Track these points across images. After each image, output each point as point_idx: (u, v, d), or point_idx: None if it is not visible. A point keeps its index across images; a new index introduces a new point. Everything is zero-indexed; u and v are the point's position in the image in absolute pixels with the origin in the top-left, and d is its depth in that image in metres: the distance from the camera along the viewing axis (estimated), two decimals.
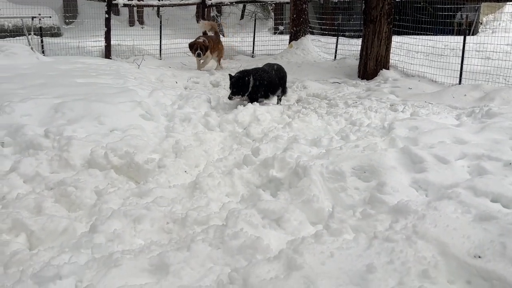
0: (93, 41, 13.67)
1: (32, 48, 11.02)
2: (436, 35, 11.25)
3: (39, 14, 12.61)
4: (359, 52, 10.81)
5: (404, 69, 10.52)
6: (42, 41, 12.73)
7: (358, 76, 10.56)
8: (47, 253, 2.80)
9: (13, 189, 4.09)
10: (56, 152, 4.72)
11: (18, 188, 4.12)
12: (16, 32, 14.69)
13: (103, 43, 13.21)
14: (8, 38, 13.45)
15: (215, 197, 3.79)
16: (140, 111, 6.12)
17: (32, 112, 5.79)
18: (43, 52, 12.32)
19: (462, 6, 15.20)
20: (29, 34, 11.74)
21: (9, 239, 3.08)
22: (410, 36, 11.30)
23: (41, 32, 12.87)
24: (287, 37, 15.73)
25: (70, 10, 20.41)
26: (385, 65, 10.38)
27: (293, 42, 14.44)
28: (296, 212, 3.01)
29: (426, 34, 11.30)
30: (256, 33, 16.44)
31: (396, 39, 10.89)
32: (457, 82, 9.21)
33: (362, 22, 10.69)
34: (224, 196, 3.87)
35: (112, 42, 13.37)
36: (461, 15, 15.66)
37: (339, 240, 2.66)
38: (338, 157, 4.02)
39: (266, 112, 6.20)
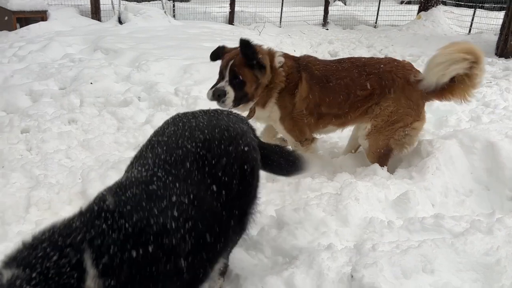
0: (218, 7, 14.25)
1: (165, 12, 11.89)
2: None
3: None
4: (499, 26, 9.65)
5: None
6: (173, 6, 13.63)
7: (495, 54, 9.48)
8: None
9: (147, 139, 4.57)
10: (184, 110, 5.12)
11: None
12: None
13: (227, 9, 13.70)
14: (144, 2, 14.69)
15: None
16: None
17: (165, 71, 6.32)
18: (174, 16, 13.21)
19: None
20: None
21: None
22: None
23: None
24: (415, 7, 14.66)
25: None
26: None
27: (422, 13, 13.41)
28: (416, 193, 2.88)
29: None
30: (381, 2, 15.57)
31: None
32: None
33: None
34: (338, 167, 3.85)
35: (236, 9, 13.79)
36: None
37: (461, 225, 2.49)
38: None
39: None
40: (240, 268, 2.10)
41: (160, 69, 6.25)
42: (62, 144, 4.32)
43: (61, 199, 3.40)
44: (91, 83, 5.64)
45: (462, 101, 3.45)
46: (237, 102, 3.54)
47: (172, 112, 5.29)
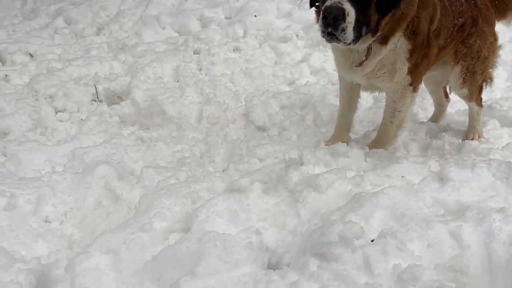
0: None
1: None
2: None
3: None
4: None
5: None
6: None
7: None
8: (329, 132, 3.25)
9: (302, 77, 4.72)
10: None
11: (306, 77, 4.73)
12: None
13: None
14: None
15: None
16: None
17: None
18: None
19: None
20: None
21: (302, 114, 3.67)
22: None
23: None
24: None
25: None
26: None
27: None
28: None
29: None
30: None
31: None
32: None
33: None
34: (505, 136, 3.56)
35: None
36: None
37: None
38: None
39: None
40: (404, 208, 2.14)
41: None
42: (227, 69, 4.69)
43: (227, 117, 3.77)
44: (255, 16, 5.88)
45: None
46: (358, 31, 2.33)
47: (329, 54, 5.29)
